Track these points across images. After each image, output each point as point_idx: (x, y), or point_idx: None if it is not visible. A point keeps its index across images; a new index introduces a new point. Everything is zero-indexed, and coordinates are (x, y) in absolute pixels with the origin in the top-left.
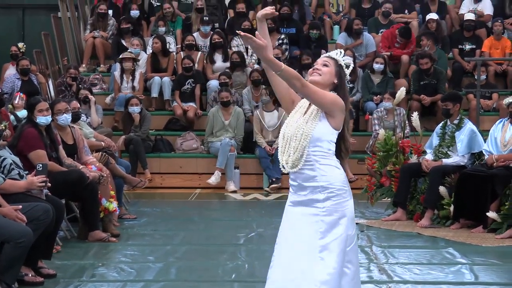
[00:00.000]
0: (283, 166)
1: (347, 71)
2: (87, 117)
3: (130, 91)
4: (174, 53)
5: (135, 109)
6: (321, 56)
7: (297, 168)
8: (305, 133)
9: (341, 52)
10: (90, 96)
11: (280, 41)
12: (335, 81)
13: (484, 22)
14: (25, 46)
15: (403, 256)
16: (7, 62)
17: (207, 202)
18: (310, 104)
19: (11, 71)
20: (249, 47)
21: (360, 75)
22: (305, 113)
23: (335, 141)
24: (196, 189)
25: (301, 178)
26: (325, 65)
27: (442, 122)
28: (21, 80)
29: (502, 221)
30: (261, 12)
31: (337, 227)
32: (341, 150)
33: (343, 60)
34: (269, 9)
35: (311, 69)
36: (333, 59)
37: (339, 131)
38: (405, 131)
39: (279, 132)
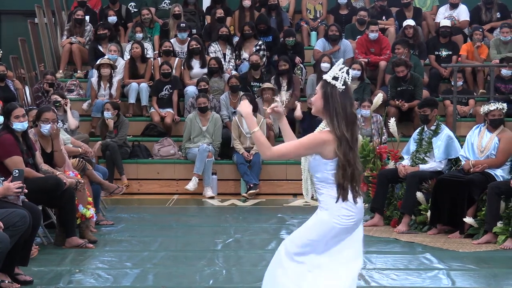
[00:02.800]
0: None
1: (337, 82)
2: (63, 123)
3: (107, 97)
4: (152, 59)
5: (107, 114)
6: None
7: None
8: (304, 167)
9: (339, 64)
10: (64, 100)
11: (258, 47)
12: (323, 102)
13: (460, 28)
14: (1, 52)
15: (380, 261)
16: None
17: (184, 208)
18: None
19: None
20: (226, 53)
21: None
22: None
23: (334, 167)
24: (173, 195)
25: None
26: (315, 93)
27: (419, 128)
28: None
29: (479, 226)
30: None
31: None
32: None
33: (333, 74)
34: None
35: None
36: (323, 80)
37: (336, 158)
38: (383, 137)
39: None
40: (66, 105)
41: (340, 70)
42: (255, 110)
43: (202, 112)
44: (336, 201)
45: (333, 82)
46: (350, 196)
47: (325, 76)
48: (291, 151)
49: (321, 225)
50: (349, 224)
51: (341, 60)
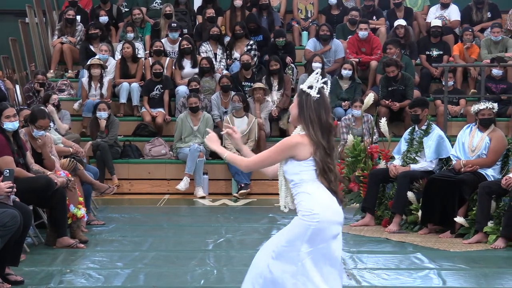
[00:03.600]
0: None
1: (312, 90)
2: (53, 123)
3: (98, 97)
4: (143, 58)
5: (102, 114)
6: None
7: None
8: (280, 172)
9: (316, 73)
10: (50, 107)
11: (249, 47)
12: (298, 110)
13: (451, 28)
14: None
15: (371, 261)
16: None
17: (175, 208)
18: None
19: None
20: (217, 53)
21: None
22: None
23: (308, 169)
24: (164, 195)
25: None
26: (293, 103)
27: (410, 128)
28: None
29: (470, 226)
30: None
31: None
32: (318, 174)
33: (309, 83)
34: (230, 130)
35: None
36: (300, 89)
37: (309, 159)
38: (374, 137)
39: (248, 138)
40: (52, 113)
41: (315, 79)
42: (247, 110)
43: (193, 112)
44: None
45: (308, 90)
46: (328, 194)
47: (301, 86)
48: (265, 157)
49: (295, 228)
50: (326, 222)
51: (319, 70)
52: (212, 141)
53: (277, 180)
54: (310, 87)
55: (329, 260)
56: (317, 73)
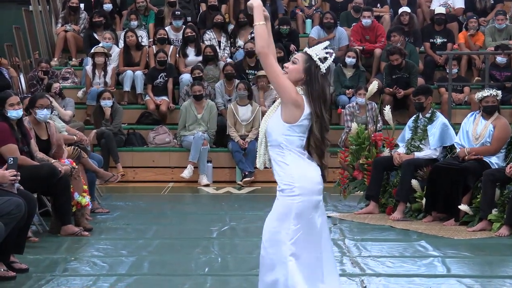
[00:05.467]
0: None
1: (323, 65)
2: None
3: (102, 86)
4: (147, 47)
5: (107, 103)
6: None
7: (263, 166)
8: (262, 129)
9: (325, 47)
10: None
11: (253, 35)
12: (303, 76)
13: (455, 15)
14: None
15: (375, 249)
16: None
17: (180, 196)
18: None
19: None
20: (221, 40)
21: (332, 68)
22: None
23: (294, 135)
24: (168, 183)
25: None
26: (294, 62)
27: (414, 115)
28: None
29: (474, 214)
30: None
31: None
32: (309, 145)
33: (320, 54)
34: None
35: (285, 65)
36: (307, 54)
37: (296, 124)
38: (378, 125)
39: (252, 127)
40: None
41: (326, 53)
42: (251, 98)
43: (197, 100)
44: (292, 169)
45: (319, 63)
46: (306, 163)
47: (309, 51)
48: (272, 67)
49: (279, 207)
50: (307, 195)
51: (327, 42)
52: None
53: None
54: (322, 60)
55: (313, 230)
56: (325, 47)
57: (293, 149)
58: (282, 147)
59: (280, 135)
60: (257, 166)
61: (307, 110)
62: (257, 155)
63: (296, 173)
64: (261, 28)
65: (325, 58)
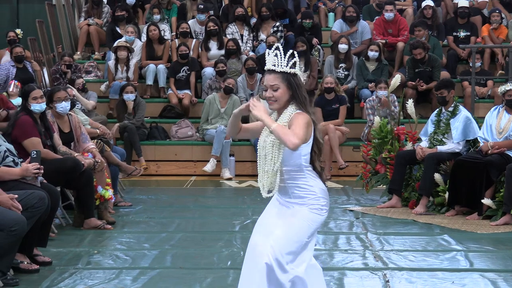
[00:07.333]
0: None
1: (297, 69)
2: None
3: (124, 80)
4: (169, 40)
5: (130, 97)
6: (266, 75)
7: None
8: (277, 159)
9: (281, 56)
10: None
11: (275, 29)
12: (290, 93)
13: (478, 9)
14: (22, 32)
15: (398, 243)
16: (2, 49)
17: (202, 190)
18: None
19: (7, 57)
20: (244, 34)
21: (355, 62)
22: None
23: (308, 151)
24: (191, 176)
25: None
26: (275, 89)
27: (437, 109)
28: (15, 67)
29: (497, 208)
30: (238, 109)
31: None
32: (314, 151)
33: (287, 64)
34: (244, 106)
35: (267, 96)
36: (279, 73)
37: (309, 140)
38: (394, 113)
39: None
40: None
41: (288, 59)
42: None
43: (227, 93)
44: (315, 188)
45: (293, 70)
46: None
47: (278, 69)
48: (304, 132)
49: (306, 223)
50: (327, 211)
51: (273, 48)
52: (260, 110)
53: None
54: (293, 67)
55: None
56: (275, 52)
57: (308, 167)
58: (302, 168)
59: (299, 157)
60: (263, 192)
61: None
62: (261, 181)
63: (318, 189)
64: (278, 128)
65: (294, 63)
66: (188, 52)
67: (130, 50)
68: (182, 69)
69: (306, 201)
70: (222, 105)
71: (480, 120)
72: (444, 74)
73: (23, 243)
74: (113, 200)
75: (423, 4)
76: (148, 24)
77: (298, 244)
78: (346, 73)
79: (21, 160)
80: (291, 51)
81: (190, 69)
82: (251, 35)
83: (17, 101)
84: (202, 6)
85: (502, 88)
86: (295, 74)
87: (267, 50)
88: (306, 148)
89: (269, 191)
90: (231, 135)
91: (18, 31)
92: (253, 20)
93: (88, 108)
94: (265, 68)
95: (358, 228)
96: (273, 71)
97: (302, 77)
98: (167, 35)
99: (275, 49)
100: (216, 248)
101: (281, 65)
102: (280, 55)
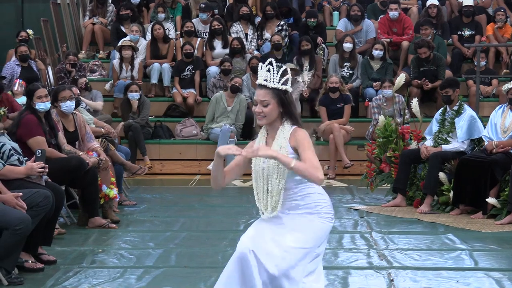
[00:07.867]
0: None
1: (288, 86)
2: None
3: (129, 79)
4: (174, 39)
5: (134, 96)
6: (257, 89)
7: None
8: (281, 178)
9: (273, 71)
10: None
11: (280, 28)
12: (280, 110)
13: (483, 7)
14: (33, 32)
15: (403, 242)
16: (6, 49)
17: (207, 189)
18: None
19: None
20: (248, 33)
21: (359, 61)
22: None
23: None
24: (196, 175)
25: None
26: (265, 105)
27: (442, 108)
28: (20, 66)
29: (502, 207)
30: (224, 149)
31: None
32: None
33: (280, 81)
34: (234, 149)
35: (256, 111)
36: (269, 88)
37: None
38: (405, 118)
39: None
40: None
41: (281, 75)
42: None
43: (234, 92)
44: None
45: (284, 87)
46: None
47: (270, 85)
48: (316, 157)
49: (317, 231)
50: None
51: (266, 63)
52: (268, 150)
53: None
54: (285, 83)
55: None
56: (268, 67)
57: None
58: (304, 180)
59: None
60: (270, 214)
61: None
62: (262, 200)
63: (322, 200)
64: (299, 166)
65: (286, 81)
66: (192, 51)
67: (134, 49)
68: (187, 68)
69: (310, 212)
70: (229, 104)
71: (484, 119)
72: (447, 73)
73: (27, 242)
74: (117, 199)
75: (428, 3)
76: (153, 23)
77: (309, 254)
78: (350, 72)
79: (26, 159)
80: (284, 67)
81: (195, 68)
82: (256, 34)
83: (21, 100)
84: (203, 5)
85: (506, 86)
86: (286, 91)
87: (260, 64)
88: None
89: (273, 210)
90: (216, 187)
91: (30, 31)
92: (258, 19)
93: (98, 109)
94: (257, 82)
95: (362, 227)
96: (264, 87)
97: (294, 93)
98: (172, 34)
99: (269, 63)
100: (220, 247)
101: (273, 81)
102: (273, 71)
